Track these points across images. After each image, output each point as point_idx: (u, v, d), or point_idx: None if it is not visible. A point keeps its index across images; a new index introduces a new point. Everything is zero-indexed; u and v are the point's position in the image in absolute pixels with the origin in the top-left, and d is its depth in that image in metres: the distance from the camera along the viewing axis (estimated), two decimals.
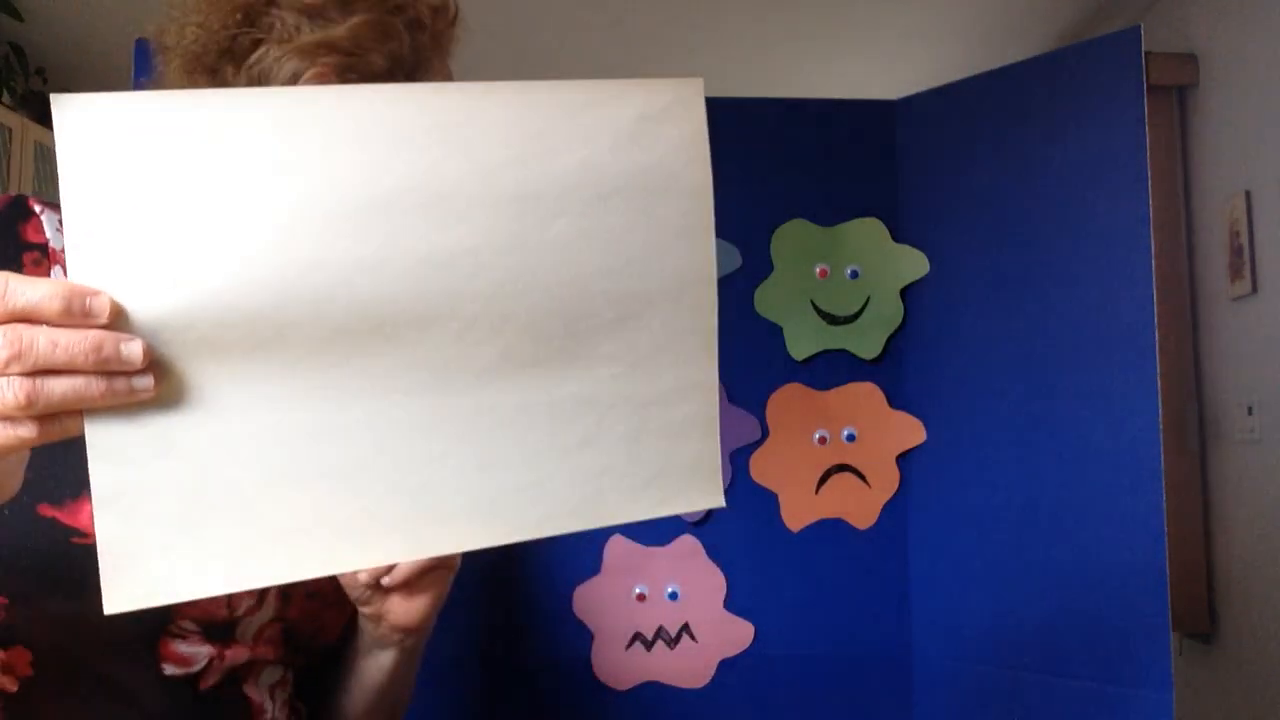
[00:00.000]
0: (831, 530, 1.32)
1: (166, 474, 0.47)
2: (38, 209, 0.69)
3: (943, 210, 1.33)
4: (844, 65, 3.29)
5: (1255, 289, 2.21)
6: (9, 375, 0.43)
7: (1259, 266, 2.20)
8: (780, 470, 1.32)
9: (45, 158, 3.19)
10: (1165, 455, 1.15)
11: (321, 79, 0.70)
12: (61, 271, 0.67)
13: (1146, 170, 1.18)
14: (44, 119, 3.21)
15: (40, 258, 0.67)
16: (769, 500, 1.32)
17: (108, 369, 0.44)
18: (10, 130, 3.02)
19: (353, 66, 0.70)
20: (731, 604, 1.30)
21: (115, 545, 0.46)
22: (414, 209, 0.49)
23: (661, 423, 0.57)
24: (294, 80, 0.70)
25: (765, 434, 1.32)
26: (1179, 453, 2.38)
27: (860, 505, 1.33)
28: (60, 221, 0.69)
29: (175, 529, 0.48)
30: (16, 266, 0.66)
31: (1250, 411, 2.22)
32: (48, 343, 0.43)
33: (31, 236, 0.68)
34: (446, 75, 0.78)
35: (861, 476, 1.33)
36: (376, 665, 0.79)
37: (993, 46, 3.11)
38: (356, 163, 0.48)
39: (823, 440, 1.33)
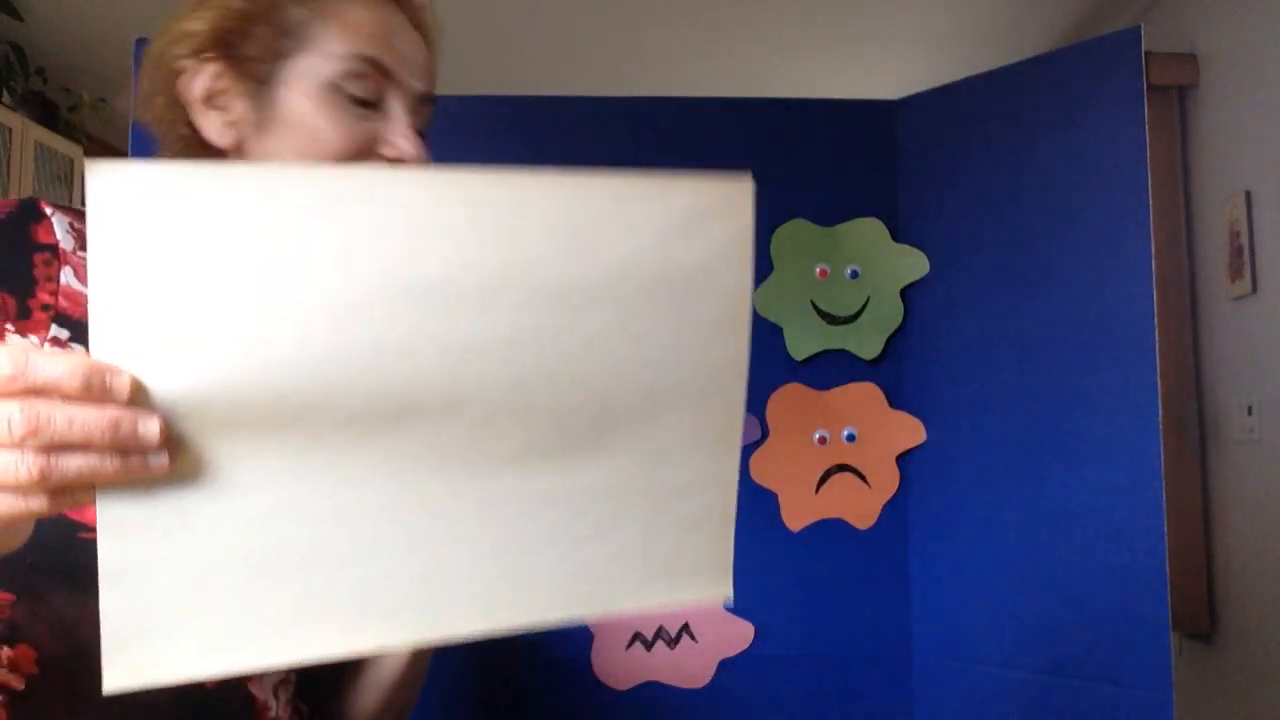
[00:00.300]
0: (831, 530, 1.32)
1: (175, 551, 0.47)
2: (49, 211, 0.69)
3: (943, 210, 1.33)
4: (844, 65, 3.29)
5: (1255, 289, 2.21)
6: (24, 450, 0.43)
7: (1259, 266, 2.20)
8: (780, 470, 1.32)
9: (45, 158, 3.19)
10: (1165, 455, 1.15)
11: (206, 63, 0.72)
12: (72, 272, 0.68)
13: (1146, 170, 1.18)
14: (44, 119, 3.21)
15: (50, 258, 0.68)
16: (769, 500, 1.32)
17: (123, 448, 0.44)
18: (10, 130, 3.02)
19: (231, 45, 0.72)
20: (731, 604, 1.30)
21: (119, 622, 0.46)
22: (450, 297, 0.48)
23: (677, 515, 0.57)
24: (174, 62, 0.72)
25: (765, 434, 1.32)
26: (1179, 453, 2.38)
27: (860, 505, 1.33)
28: (70, 224, 0.69)
29: (181, 607, 0.47)
30: (27, 267, 0.67)
31: (1250, 411, 2.22)
32: (65, 420, 0.43)
33: (42, 238, 0.68)
34: (391, 27, 0.75)
35: (861, 476, 1.33)
36: (393, 659, 0.79)
37: (993, 46, 3.11)
38: (394, 247, 0.47)
39: (823, 440, 1.33)
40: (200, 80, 0.72)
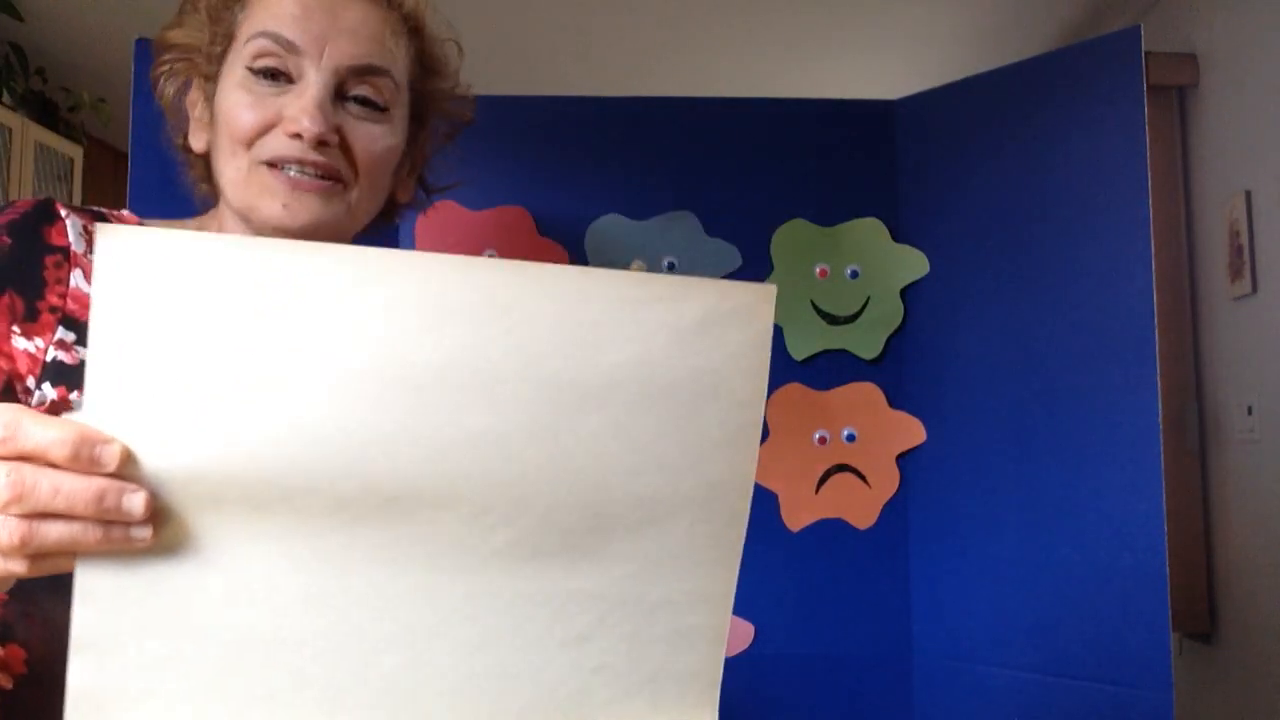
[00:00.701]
0: (831, 530, 1.32)
1: (149, 624, 0.46)
2: (63, 213, 0.70)
3: (943, 210, 1.33)
4: (844, 65, 3.29)
5: (1255, 289, 2.21)
6: (7, 515, 0.43)
7: (1259, 266, 2.20)
8: (780, 470, 1.32)
9: (45, 158, 3.18)
10: (1165, 455, 1.15)
11: (187, 74, 0.76)
12: (82, 275, 0.68)
13: (1146, 170, 1.18)
14: (44, 119, 3.21)
15: (61, 260, 0.68)
16: (769, 500, 1.32)
17: (107, 518, 0.44)
18: (10, 130, 3.02)
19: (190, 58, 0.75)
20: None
21: (83, 694, 0.45)
22: (451, 387, 0.47)
23: (667, 628, 0.55)
24: (158, 70, 0.77)
25: (765, 434, 1.32)
26: (1179, 453, 2.38)
27: (860, 505, 1.33)
28: (84, 226, 0.70)
29: (146, 685, 0.46)
30: (38, 268, 0.67)
31: (1250, 411, 2.22)
32: (50, 488, 0.43)
33: (55, 240, 0.68)
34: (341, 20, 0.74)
35: (861, 476, 1.33)
36: None
37: (993, 46, 3.11)
38: (400, 334, 0.46)
39: (823, 440, 1.33)
40: (187, 92, 0.77)
